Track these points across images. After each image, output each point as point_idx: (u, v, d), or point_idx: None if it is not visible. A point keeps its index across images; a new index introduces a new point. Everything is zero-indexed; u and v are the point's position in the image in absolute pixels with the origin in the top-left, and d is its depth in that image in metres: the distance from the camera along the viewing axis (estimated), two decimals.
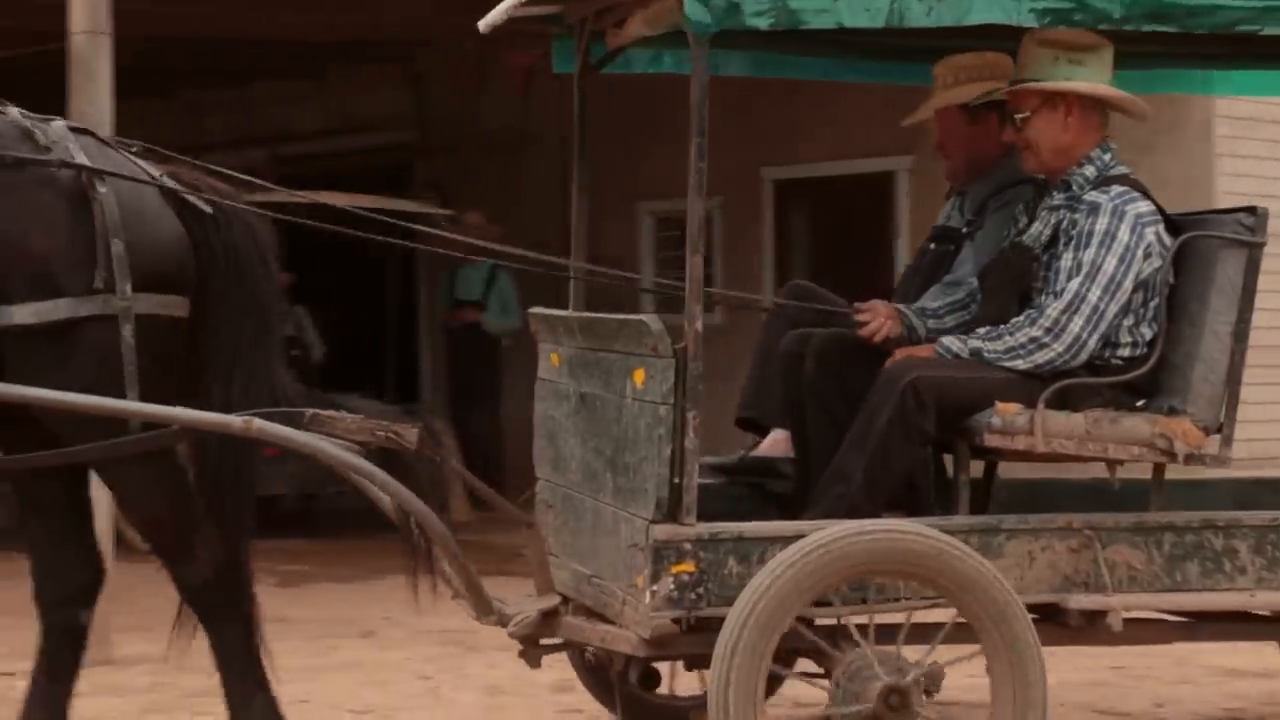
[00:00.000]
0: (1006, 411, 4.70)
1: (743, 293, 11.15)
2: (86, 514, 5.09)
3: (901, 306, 5.32)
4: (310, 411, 4.66)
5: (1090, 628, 4.75)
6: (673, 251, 14.55)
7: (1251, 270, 4.85)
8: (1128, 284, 4.83)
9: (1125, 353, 4.89)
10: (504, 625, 4.85)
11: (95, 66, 6.72)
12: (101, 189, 4.67)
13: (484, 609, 4.85)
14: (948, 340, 4.94)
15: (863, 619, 4.50)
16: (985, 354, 4.85)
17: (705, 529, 4.54)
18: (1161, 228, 4.89)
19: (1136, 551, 4.78)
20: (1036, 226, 5.06)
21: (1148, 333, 4.89)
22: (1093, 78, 4.98)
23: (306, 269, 12.99)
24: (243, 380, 4.87)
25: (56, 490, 4.97)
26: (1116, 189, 4.91)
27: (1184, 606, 4.89)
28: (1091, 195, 4.92)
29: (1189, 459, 4.75)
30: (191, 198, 4.90)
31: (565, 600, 5.02)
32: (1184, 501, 5.51)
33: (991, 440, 4.71)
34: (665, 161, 13.78)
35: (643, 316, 4.61)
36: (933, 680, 4.56)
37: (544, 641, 5.01)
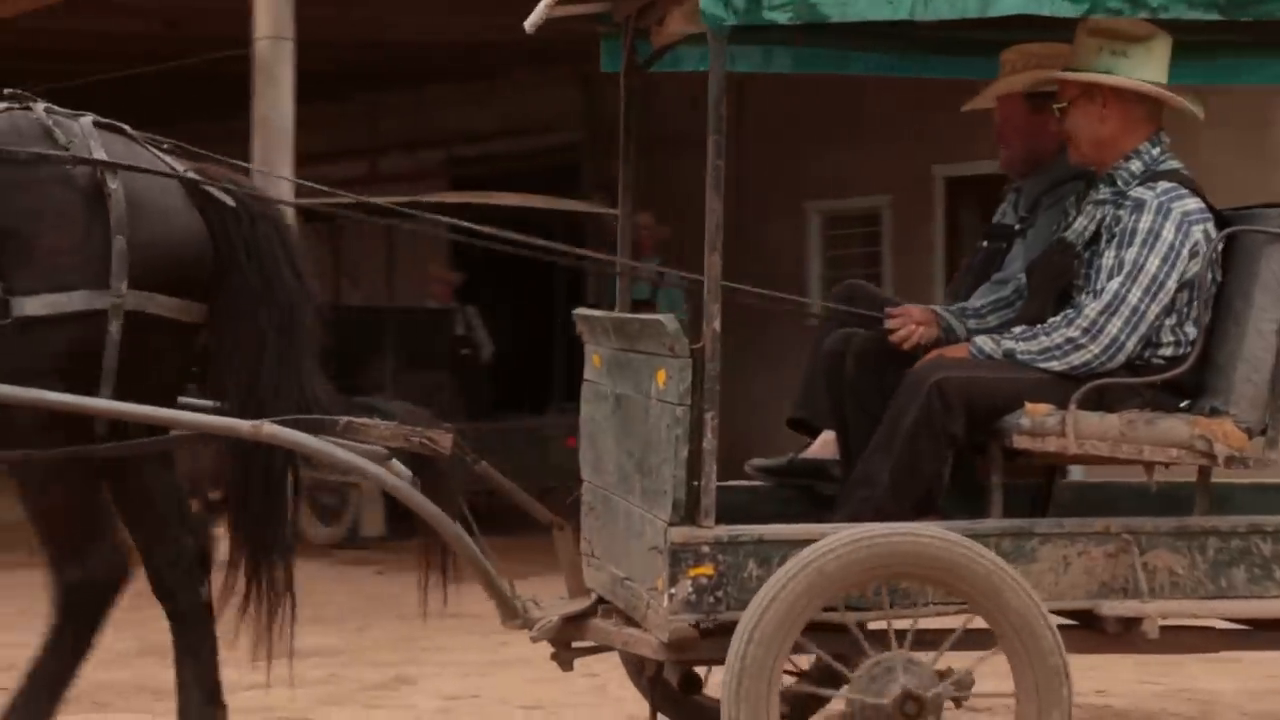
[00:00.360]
0: (1036, 413, 4.56)
1: (909, 292, 10.99)
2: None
3: (939, 308, 5.20)
4: (345, 420, 4.65)
5: (1129, 635, 4.61)
6: (842, 250, 14.49)
7: None
8: (1171, 284, 4.67)
9: (1168, 352, 4.73)
10: (529, 629, 4.82)
11: (278, 71, 6.81)
12: (112, 184, 4.67)
13: (509, 613, 4.82)
14: (981, 340, 4.82)
15: (882, 624, 4.40)
16: (1019, 355, 4.72)
17: (724, 531, 4.46)
18: (1211, 225, 4.72)
19: (1179, 557, 4.62)
20: (1081, 222, 4.92)
21: (1192, 331, 4.72)
22: (1136, 70, 4.80)
23: (477, 269, 13.15)
24: (271, 381, 4.84)
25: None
26: (1163, 185, 4.75)
27: (1231, 614, 4.71)
28: (1137, 191, 4.76)
29: (1230, 461, 4.58)
30: (216, 193, 4.88)
31: (601, 602, 4.97)
32: (1255, 506, 5.39)
33: (1021, 442, 4.57)
34: (832, 160, 13.80)
35: (660, 316, 4.54)
36: (961, 686, 4.45)
37: (576, 644, 4.98)
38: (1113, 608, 4.52)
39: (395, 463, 4.73)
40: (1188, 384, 4.75)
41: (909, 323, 5.03)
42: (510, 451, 10.27)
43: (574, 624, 4.87)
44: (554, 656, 5.00)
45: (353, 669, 6.87)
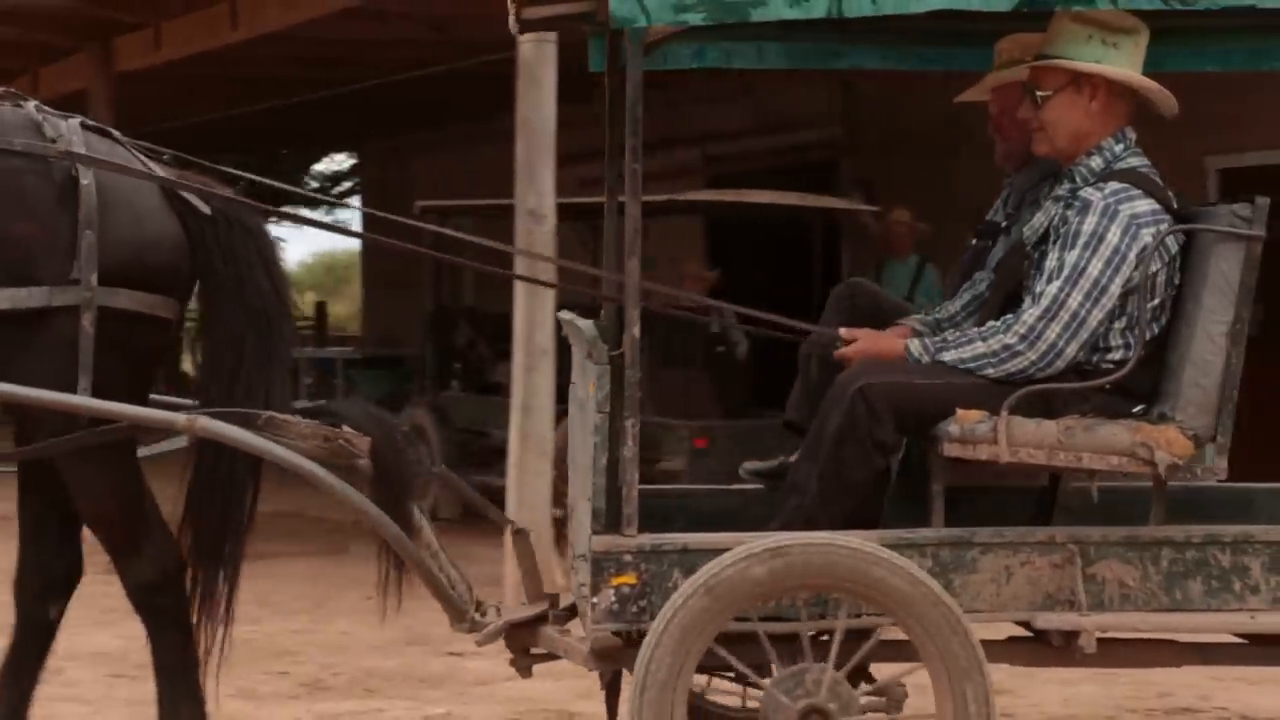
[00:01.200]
0: (967, 419, 4.40)
1: None
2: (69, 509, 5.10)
3: (916, 320, 5.04)
4: (266, 414, 4.69)
5: (1072, 649, 4.44)
6: None
7: (1250, 266, 4.41)
8: (1114, 289, 4.46)
9: (1117, 356, 4.52)
10: (476, 632, 4.81)
11: (540, 73, 6.90)
12: (84, 181, 4.72)
13: (456, 616, 4.81)
14: (913, 344, 4.67)
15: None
16: (948, 360, 4.56)
17: (647, 540, 4.40)
18: (1165, 228, 4.50)
19: (1130, 568, 4.44)
20: (1039, 218, 4.73)
21: (1146, 335, 4.53)
22: (1125, 63, 4.63)
23: (733, 265, 13.15)
24: (247, 385, 4.90)
25: (46, 482, 5.01)
26: (1112, 185, 4.54)
27: (1186, 628, 4.50)
28: (1085, 191, 4.56)
29: (1171, 470, 4.37)
30: (191, 199, 4.92)
31: (554, 608, 4.94)
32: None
33: (952, 450, 4.40)
34: None
35: (580, 321, 4.50)
36: (893, 701, 4.35)
37: (535, 650, 4.95)
38: (1048, 620, 4.36)
39: (360, 435, 4.77)
40: (1142, 389, 4.55)
41: (854, 347, 4.86)
42: (766, 450, 10.18)
43: (525, 630, 4.85)
44: (512, 663, 4.98)
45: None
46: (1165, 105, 4.70)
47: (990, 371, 4.51)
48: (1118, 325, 4.53)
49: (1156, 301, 4.53)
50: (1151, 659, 4.63)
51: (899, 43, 5.51)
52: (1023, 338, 4.49)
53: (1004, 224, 5.26)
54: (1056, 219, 4.61)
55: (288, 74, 14.67)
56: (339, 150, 22.73)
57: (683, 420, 10.49)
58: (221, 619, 4.95)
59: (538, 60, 7.46)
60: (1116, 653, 4.57)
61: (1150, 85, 4.66)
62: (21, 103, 5.00)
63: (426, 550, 4.90)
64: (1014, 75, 5.11)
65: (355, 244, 25.75)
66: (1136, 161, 4.65)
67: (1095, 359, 4.54)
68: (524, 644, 4.90)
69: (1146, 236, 4.48)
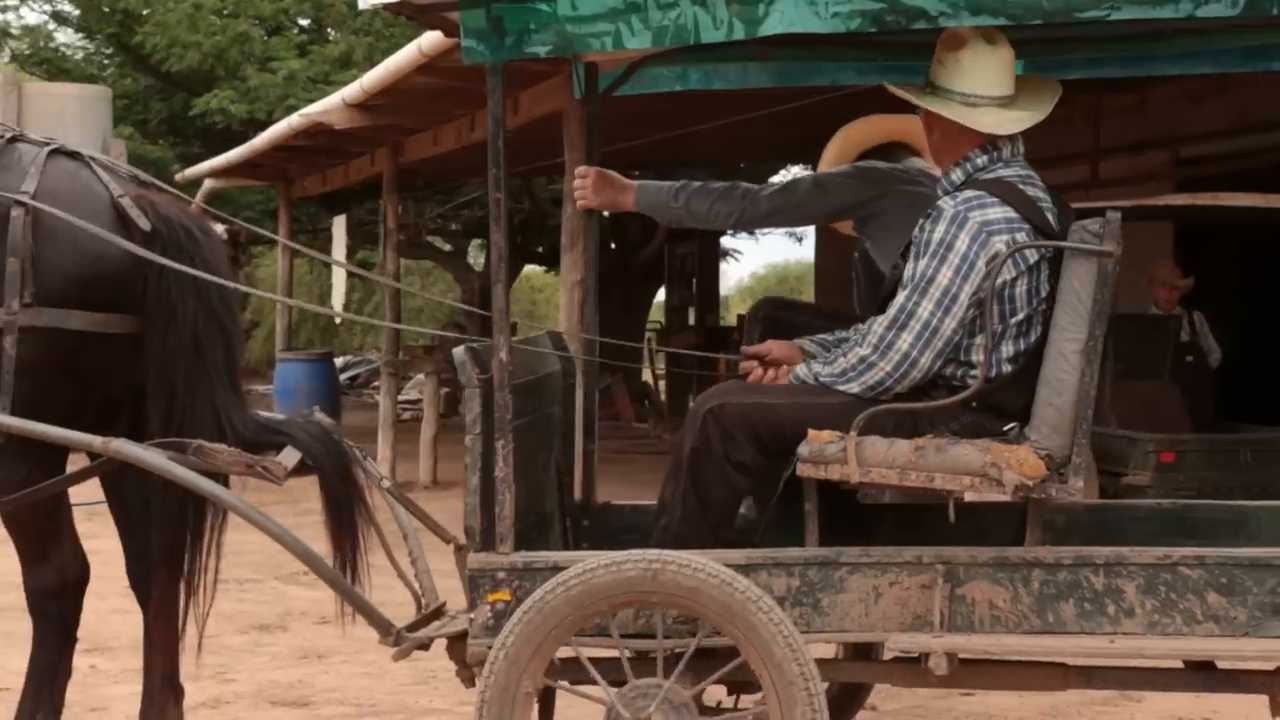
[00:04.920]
0: (818, 439, 4.41)
1: None
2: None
3: (808, 341, 5.03)
4: (195, 443, 4.94)
5: (956, 671, 4.41)
6: None
7: (1102, 283, 4.33)
8: (964, 297, 4.42)
9: (981, 371, 4.49)
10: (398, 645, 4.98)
11: None
12: (15, 211, 4.99)
13: (380, 629, 4.98)
14: (799, 368, 4.70)
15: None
16: (822, 378, 4.58)
17: (520, 558, 4.54)
18: (1022, 235, 4.44)
19: (1000, 589, 4.39)
20: (913, 233, 4.72)
21: (1008, 349, 4.48)
22: (950, 81, 4.64)
23: (1208, 272, 12.89)
24: (185, 400, 5.10)
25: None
26: (966, 194, 4.52)
27: (1058, 651, 4.41)
28: (941, 200, 4.55)
29: (1018, 491, 4.30)
30: (134, 217, 5.11)
31: None
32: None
33: (805, 470, 4.43)
34: None
35: (457, 348, 4.63)
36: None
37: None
38: (899, 641, 4.35)
39: (277, 463, 4.99)
40: (1013, 407, 4.50)
41: (767, 361, 4.90)
42: (1236, 465, 10.07)
43: (455, 644, 4.99)
44: (458, 674, 5.15)
45: None
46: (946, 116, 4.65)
47: (855, 387, 4.52)
48: (976, 341, 4.49)
49: (1021, 315, 4.48)
50: (1032, 682, 4.57)
51: (876, 58, 5.50)
52: (875, 348, 4.49)
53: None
54: (917, 230, 4.60)
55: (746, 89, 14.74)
56: (794, 162, 23.24)
57: (1148, 434, 10.19)
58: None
59: None
60: (995, 675, 4.54)
61: (900, 93, 4.66)
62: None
63: (409, 557, 5.15)
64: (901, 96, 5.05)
65: (809, 255, 26.36)
66: (1007, 172, 4.60)
67: (961, 374, 4.50)
68: (461, 655, 5.07)
69: (998, 244, 4.43)
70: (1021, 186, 4.54)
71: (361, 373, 31.05)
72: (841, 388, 4.54)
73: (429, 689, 7.11)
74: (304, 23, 22.66)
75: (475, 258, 30.32)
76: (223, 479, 5.11)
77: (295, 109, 16.71)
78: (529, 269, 31.84)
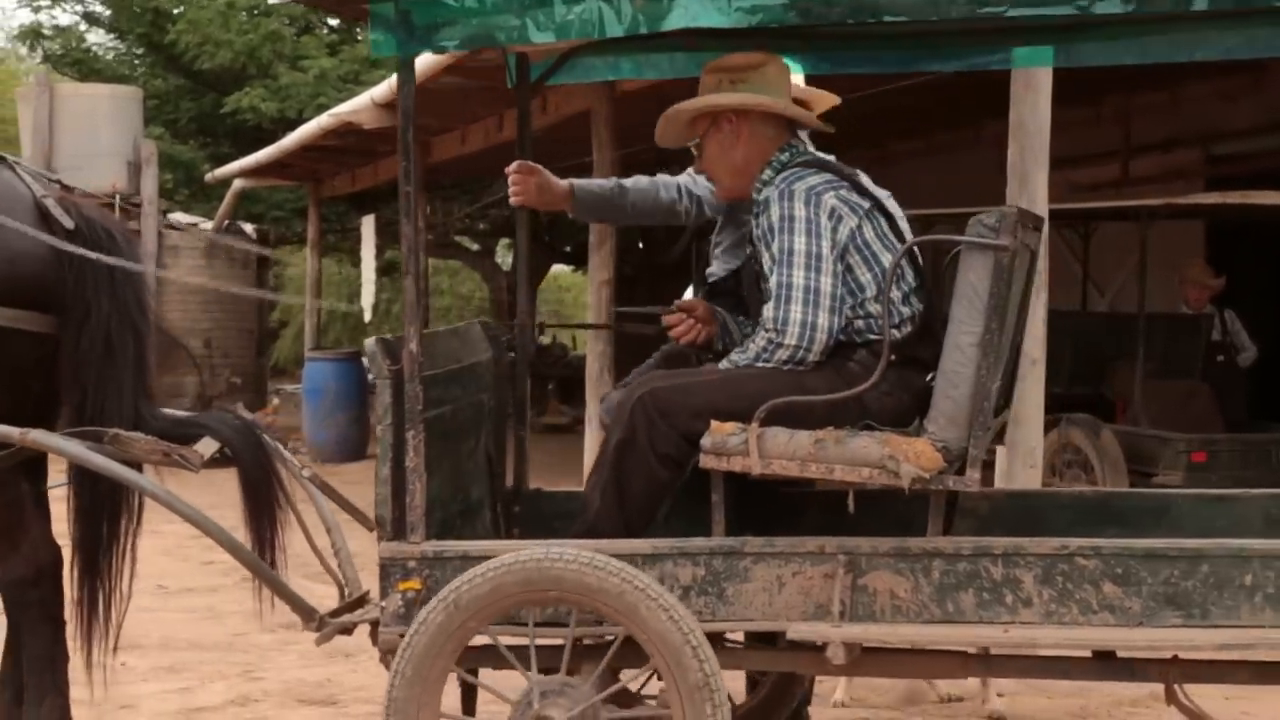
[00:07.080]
0: (720, 431, 4.46)
1: None
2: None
3: (721, 310, 5.10)
4: (112, 431, 5.02)
5: (862, 659, 4.47)
6: None
7: (998, 276, 4.37)
8: (826, 252, 4.57)
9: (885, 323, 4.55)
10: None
11: (1037, 76, 7.09)
12: None
13: (305, 615, 5.03)
14: (723, 362, 4.77)
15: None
16: (741, 366, 4.64)
17: (430, 547, 4.59)
18: (846, 191, 4.66)
19: (900, 579, 4.44)
20: (760, 253, 4.80)
21: (906, 311, 4.64)
22: (755, 93, 4.84)
23: (1240, 270, 12.75)
24: (98, 398, 5.18)
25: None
26: (781, 175, 4.72)
27: (954, 640, 4.47)
28: (764, 192, 4.74)
29: (914, 483, 4.35)
30: (56, 215, 5.20)
31: None
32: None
33: (708, 462, 4.48)
34: None
35: (369, 339, 4.68)
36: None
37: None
38: (798, 630, 4.40)
39: (194, 451, 5.05)
40: (927, 357, 4.61)
41: (685, 320, 5.00)
42: (1268, 465, 10.00)
43: (377, 630, 5.05)
44: (381, 660, 5.20)
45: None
46: (820, 106, 5.02)
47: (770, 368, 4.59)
48: (869, 292, 4.62)
49: (886, 260, 4.61)
50: (932, 670, 4.62)
51: (823, 49, 5.52)
52: (774, 330, 4.59)
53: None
54: (755, 234, 4.75)
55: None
56: None
57: (1180, 433, 10.17)
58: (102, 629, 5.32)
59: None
60: (897, 663, 4.59)
61: (763, 101, 4.84)
62: None
63: (333, 548, 5.23)
64: (676, 138, 5.14)
65: None
66: (811, 155, 4.83)
67: (869, 324, 4.63)
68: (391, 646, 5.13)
69: (831, 199, 4.63)
70: (826, 160, 4.80)
71: None
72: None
73: (454, 687, 7.16)
74: (333, 22, 22.76)
75: (503, 257, 30.33)
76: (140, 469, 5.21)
77: (326, 107, 16.90)
78: (556, 268, 31.84)
